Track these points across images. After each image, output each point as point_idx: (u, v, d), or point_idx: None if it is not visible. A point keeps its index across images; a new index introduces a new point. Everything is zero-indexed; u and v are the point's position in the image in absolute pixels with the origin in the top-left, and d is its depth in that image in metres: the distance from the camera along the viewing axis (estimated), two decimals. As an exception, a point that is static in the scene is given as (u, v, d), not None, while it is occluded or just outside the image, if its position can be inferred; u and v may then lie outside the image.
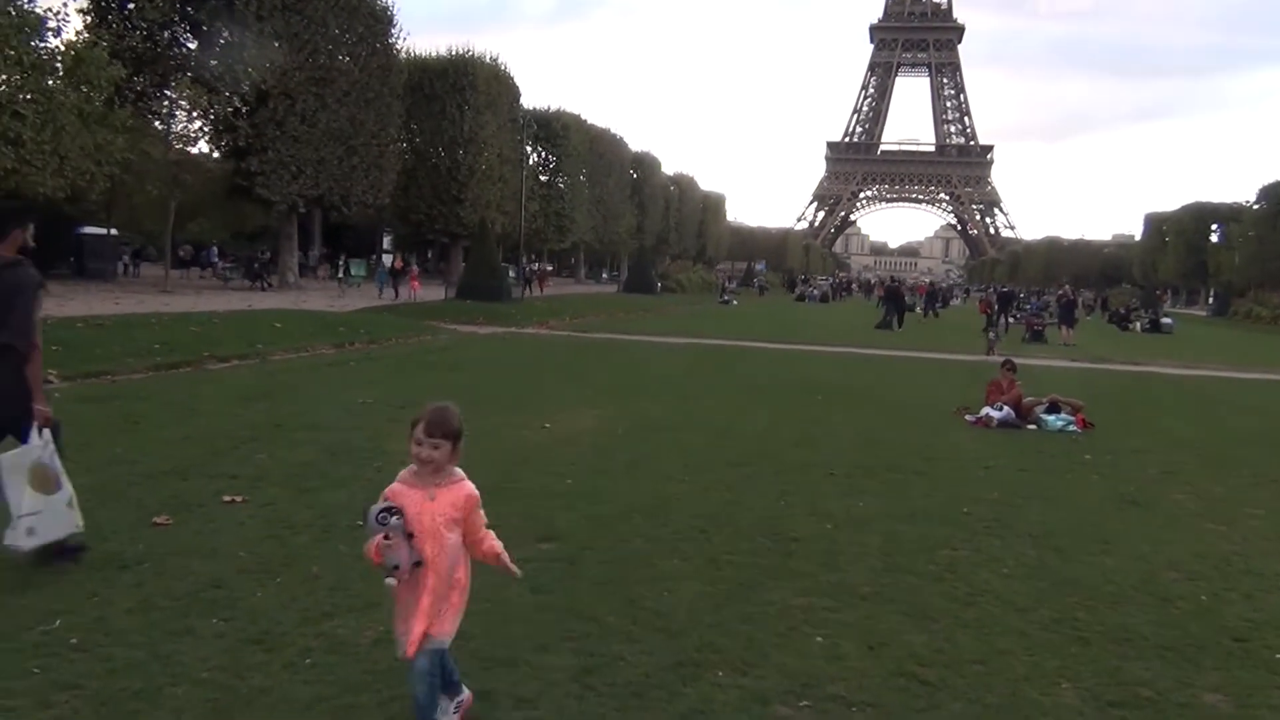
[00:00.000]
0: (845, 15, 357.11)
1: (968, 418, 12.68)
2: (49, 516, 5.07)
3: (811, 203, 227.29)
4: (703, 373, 17.64)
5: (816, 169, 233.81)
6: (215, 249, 47.86)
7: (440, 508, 3.39)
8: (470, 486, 3.48)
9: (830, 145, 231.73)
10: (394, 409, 11.34)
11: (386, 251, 50.30)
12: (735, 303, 54.65)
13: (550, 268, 72.13)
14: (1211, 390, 18.81)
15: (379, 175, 40.28)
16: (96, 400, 11.04)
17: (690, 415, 11.99)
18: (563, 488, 7.65)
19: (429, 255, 68.79)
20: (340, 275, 40.07)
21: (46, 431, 5.14)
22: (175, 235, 37.40)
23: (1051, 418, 12.38)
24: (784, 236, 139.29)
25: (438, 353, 19.62)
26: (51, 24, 26.94)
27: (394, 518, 3.28)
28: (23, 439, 5.09)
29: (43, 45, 26.62)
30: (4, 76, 25.31)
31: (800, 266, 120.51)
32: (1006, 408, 12.50)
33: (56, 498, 5.13)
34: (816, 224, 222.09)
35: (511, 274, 42.44)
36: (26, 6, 26.15)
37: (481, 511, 3.50)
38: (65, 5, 27.66)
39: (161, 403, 11.09)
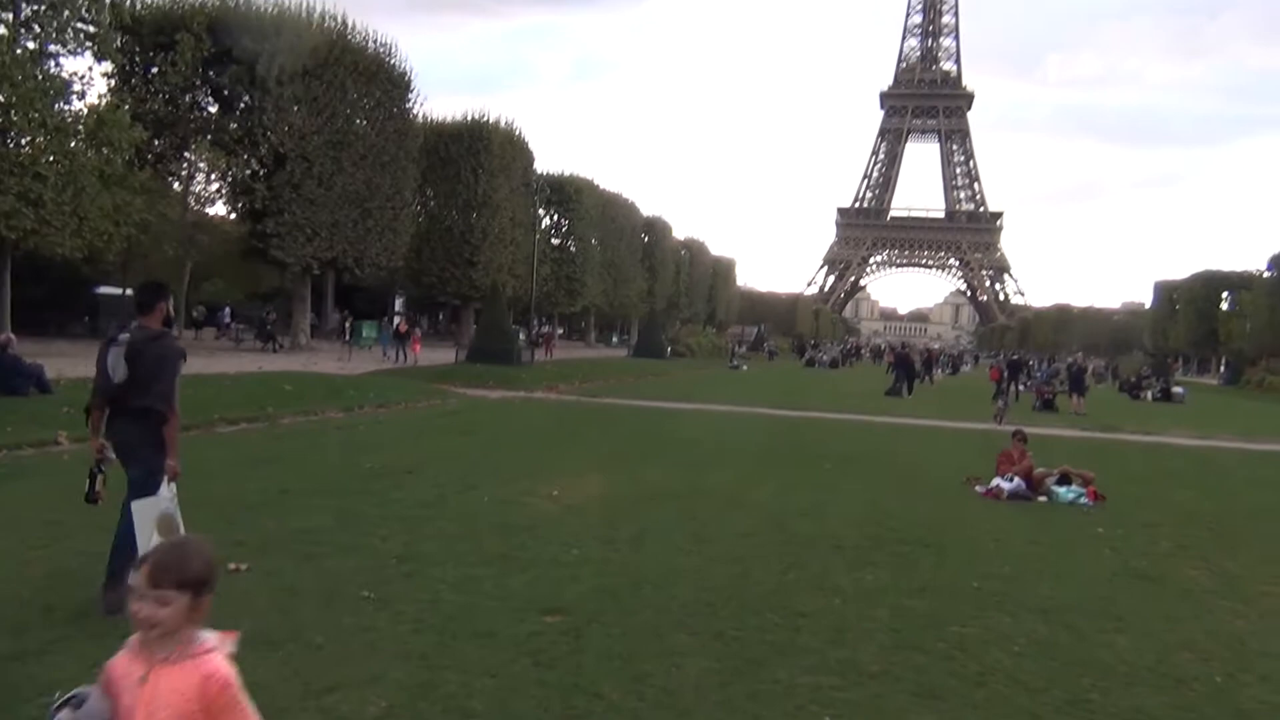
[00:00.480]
0: (856, 82, 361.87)
1: (978, 488, 12.60)
2: None
3: (822, 267, 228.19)
4: (711, 439, 17.59)
5: (827, 234, 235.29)
6: (228, 310, 48.22)
7: (162, 696, 2.19)
8: (216, 664, 2.27)
9: (841, 211, 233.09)
10: (402, 474, 11.35)
11: (398, 313, 50.64)
12: (745, 368, 54.65)
13: (561, 330, 72.37)
14: (1224, 462, 18.67)
15: (393, 238, 40.67)
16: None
17: (699, 483, 11.94)
18: (569, 558, 7.60)
19: (440, 317, 69.16)
20: (347, 337, 40.17)
21: (174, 485, 5.73)
22: (189, 296, 37.75)
23: (1063, 490, 12.29)
24: (794, 301, 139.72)
25: (447, 417, 19.65)
26: (76, 88, 27.53)
27: (64, 712, 2.35)
28: (153, 490, 5.62)
29: (67, 108, 27.16)
30: (27, 139, 25.79)
31: (810, 331, 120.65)
32: (1017, 479, 12.42)
33: None
34: (827, 289, 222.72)
35: (522, 337, 42.58)
36: (53, 71, 26.71)
37: (243, 703, 2.28)
38: (90, 70, 28.24)
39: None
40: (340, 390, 21.70)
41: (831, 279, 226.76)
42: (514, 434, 17.02)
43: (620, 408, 24.03)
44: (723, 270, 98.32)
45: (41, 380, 15.92)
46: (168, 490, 5.70)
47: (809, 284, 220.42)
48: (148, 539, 5.48)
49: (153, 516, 5.54)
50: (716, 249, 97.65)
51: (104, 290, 37.19)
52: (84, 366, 20.59)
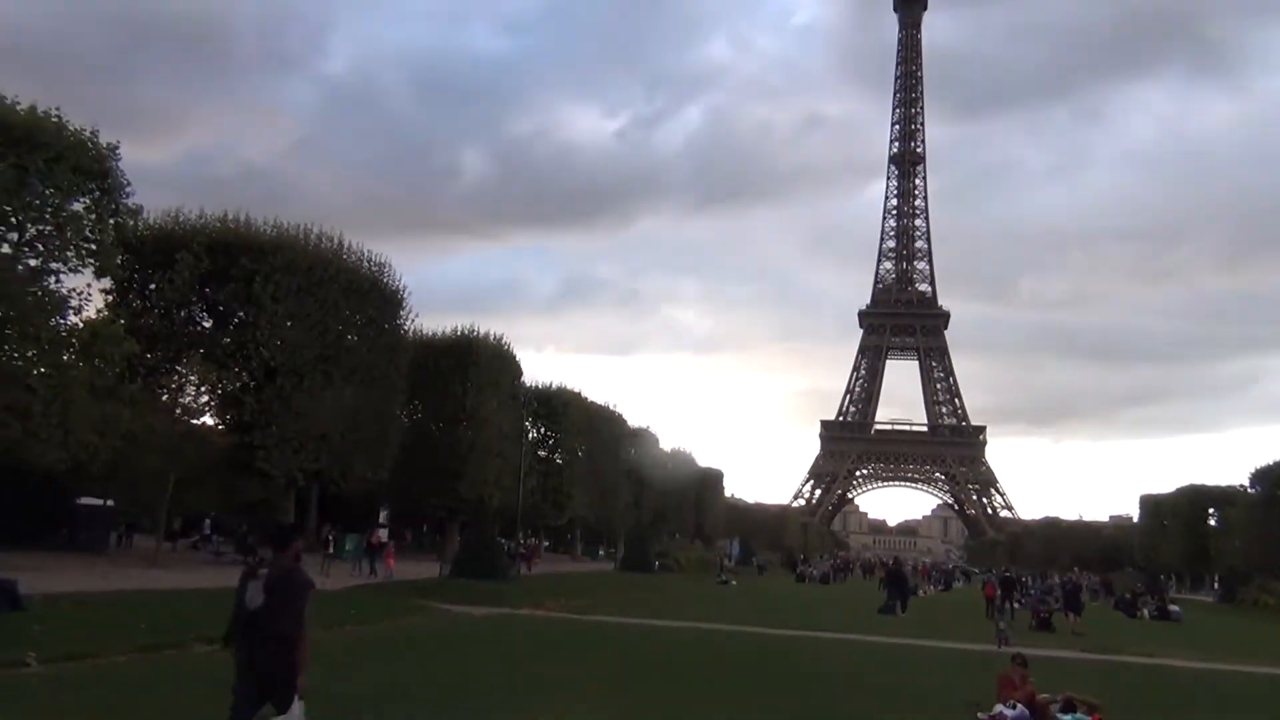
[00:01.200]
0: (835, 298, 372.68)
1: (980, 716, 12.13)
2: None
3: (808, 480, 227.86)
4: (703, 661, 17.05)
5: (811, 446, 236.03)
6: (209, 521, 47.48)
7: None
8: None
9: (825, 424, 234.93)
10: (381, 701, 10.90)
11: (381, 525, 49.88)
12: (734, 582, 53.71)
13: (547, 543, 71.33)
14: (1229, 686, 18.14)
15: (380, 451, 40.52)
16: (76, 687, 10.60)
17: (688, 713, 11.47)
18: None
19: (424, 529, 68.24)
20: (330, 550, 39.23)
21: (302, 702, 6.31)
22: (171, 506, 37.24)
23: (1067, 718, 11.85)
24: (782, 514, 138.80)
25: (431, 636, 19.07)
26: (74, 303, 27.95)
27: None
28: (283, 708, 6.23)
29: (62, 322, 27.50)
30: (20, 353, 25.97)
31: (799, 545, 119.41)
32: (1020, 706, 11.97)
33: None
34: (814, 501, 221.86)
35: (508, 549, 41.83)
36: (52, 286, 27.21)
37: None
38: (89, 286, 28.75)
39: (140, 690, 10.65)
40: (320, 607, 21.04)
41: (819, 492, 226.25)
42: (500, 655, 16.47)
43: (608, 626, 23.39)
44: (710, 482, 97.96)
45: (14, 596, 15.43)
46: (298, 706, 6.24)
47: (796, 496, 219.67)
48: None
49: None
50: (703, 460, 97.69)
51: (85, 501, 36.61)
52: (58, 581, 20.09)
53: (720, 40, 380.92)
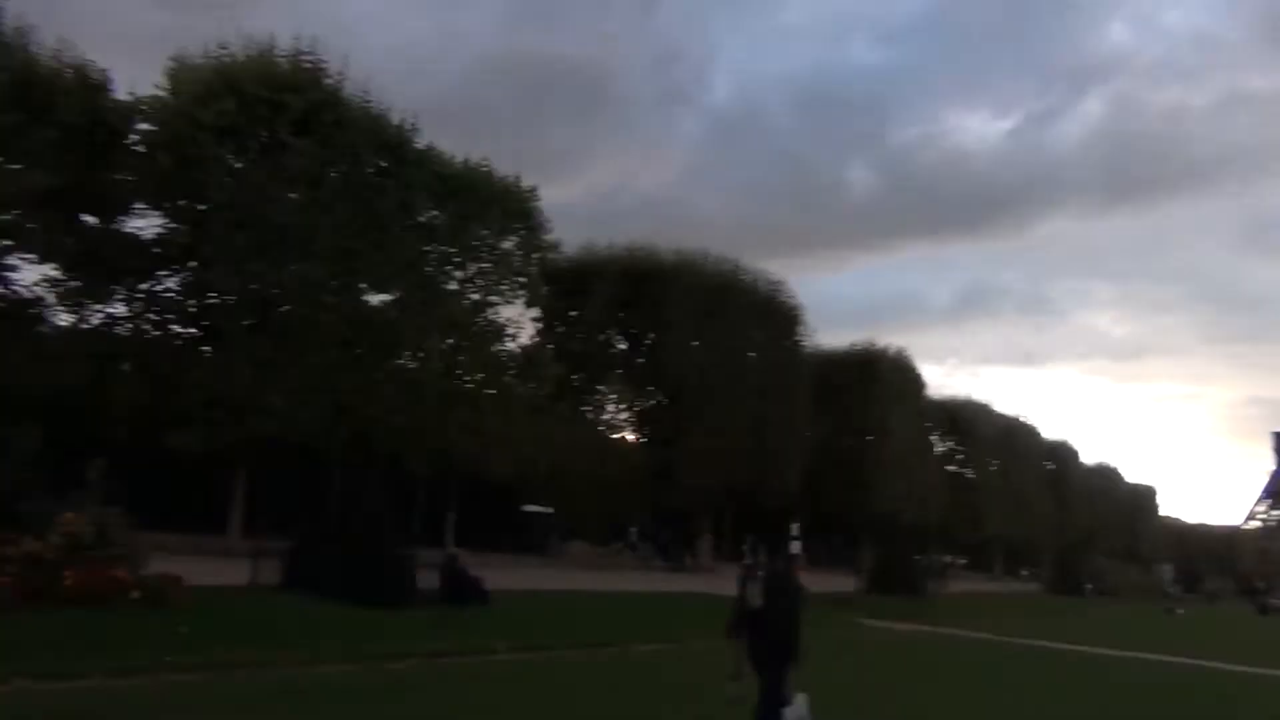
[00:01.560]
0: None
1: None
2: None
3: (1263, 499, 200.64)
4: (1161, 702, 15.12)
5: (1262, 461, 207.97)
6: (635, 530, 50.07)
7: None
8: None
9: (1277, 435, 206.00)
10: (871, 700, 10.52)
11: (794, 538, 50.13)
12: (1181, 611, 48.07)
13: (964, 561, 68.33)
14: None
15: (788, 464, 40.72)
16: (539, 674, 11.26)
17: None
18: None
19: (834, 542, 67.87)
20: (747, 560, 39.81)
21: (805, 695, 6.93)
22: (598, 514, 39.67)
23: None
24: (1231, 536, 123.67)
25: (861, 651, 18.60)
26: (510, 330, 30.86)
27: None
28: (787, 698, 6.81)
29: (502, 349, 30.40)
30: (469, 376, 28.96)
31: (1256, 571, 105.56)
32: None
33: None
34: (1273, 523, 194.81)
35: (925, 566, 40.34)
36: (492, 316, 30.15)
37: None
38: (521, 315, 31.56)
39: (591, 681, 11.06)
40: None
41: (1277, 512, 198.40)
42: (951, 677, 15.67)
43: (1051, 652, 21.46)
44: (1141, 500, 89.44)
45: (482, 591, 16.96)
46: (802, 698, 6.78)
47: (1249, 517, 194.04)
48: None
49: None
50: (1131, 476, 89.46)
51: (530, 509, 39.85)
52: (514, 579, 21.78)
53: (1119, 23, 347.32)
